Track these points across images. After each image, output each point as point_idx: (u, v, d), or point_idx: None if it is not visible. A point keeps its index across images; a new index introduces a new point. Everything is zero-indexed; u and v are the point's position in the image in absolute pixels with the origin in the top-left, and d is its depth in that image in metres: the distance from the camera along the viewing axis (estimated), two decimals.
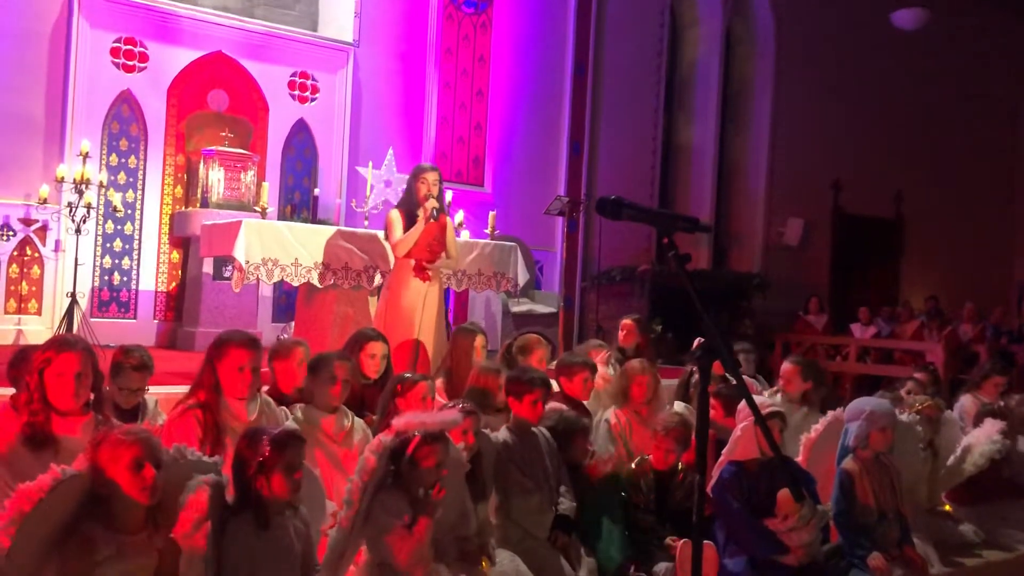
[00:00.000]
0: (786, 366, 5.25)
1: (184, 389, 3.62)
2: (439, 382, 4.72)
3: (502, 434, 3.86)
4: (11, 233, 8.03)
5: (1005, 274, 15.76)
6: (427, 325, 5.55)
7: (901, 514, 4.25)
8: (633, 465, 4.16)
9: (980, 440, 4.96)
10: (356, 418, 3.84)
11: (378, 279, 6.22)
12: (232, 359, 3.34)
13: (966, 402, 5.79)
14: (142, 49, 8.60)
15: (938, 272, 14.70)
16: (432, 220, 5.50)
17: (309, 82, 9.53)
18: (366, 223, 7.26)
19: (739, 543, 3.91)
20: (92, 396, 3.16)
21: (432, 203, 5.48)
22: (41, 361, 3.05)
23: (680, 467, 4.18)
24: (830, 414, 4.60)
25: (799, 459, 4.41)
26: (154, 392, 4.17)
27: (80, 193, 7.64)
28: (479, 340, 4.87)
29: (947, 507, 4.89)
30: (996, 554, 4.72)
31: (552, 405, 4.25)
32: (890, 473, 4.26)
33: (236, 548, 2.69)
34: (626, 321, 6.26)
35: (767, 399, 4.17)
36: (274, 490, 2.75)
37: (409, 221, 5.50)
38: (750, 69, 13.54)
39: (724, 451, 4.08)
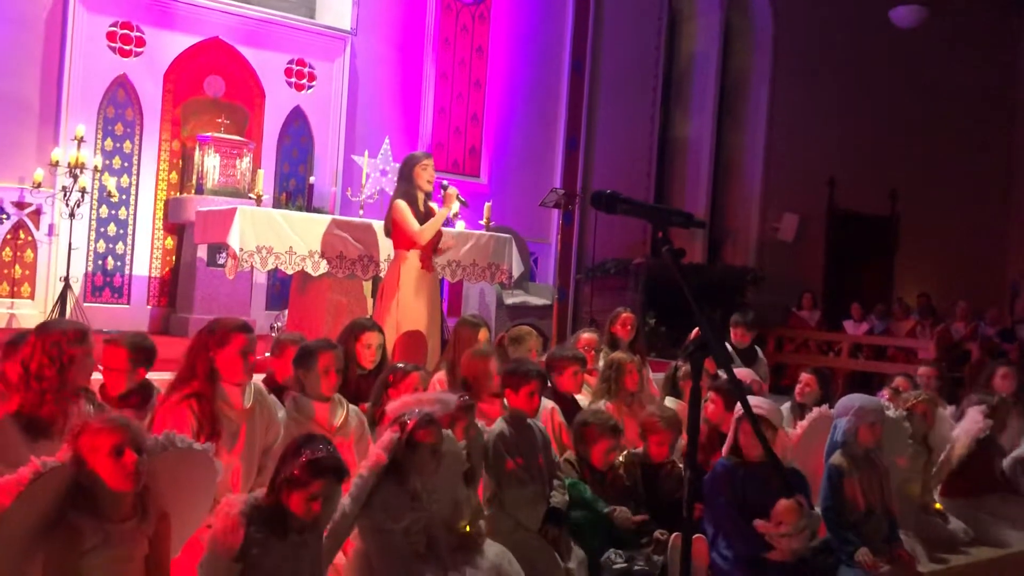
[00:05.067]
0: (806, 375, 5.42)
1: None
2: (441, 375, 4.71)
3: (498, 425, 3.87)
4: (4, 216, 7.99)
5: (998, 272, 15.81)
6: (433, 317, 5.59)
7: (889, 510, 4.27)
8: (621, 458, 4.16)
9: (965, 425, 5.02)
10: (351, 406, 3.82)
11: (372, 269, 6.23)
12: (234, 344, 3.35)
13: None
14: (139, 34, 8.56)
15: (932, 269, 14.73)
16: (463, 204, 5.74)
17: (306, 70, 9.50)
18: (361, 212, 7.25)
19: (725, 536, 3.91)
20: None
21: (455, 189, 5.67)
22: (70, 342, 3.04)
23: (667, 459, 4.19)
24: (816, 410, 4.64)
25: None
26: (149, 378, 4.16)
27: (75, 177, 7.62)
28: (483, 334, 4.86)
29: (938, 505, 4.92)
30: (984, 551, 4.74)
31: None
32: (878, 469, 4.28)
33: (254, 560, 2.66)
34: (628, 314, 6.17)
35: (761, 400, 4.16)
36: (290, 506, 2.70)
37: (414, 210, 5.53)
38: (748, 63, 13.53)
39: (724, 447, 4.08)
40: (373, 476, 3.00)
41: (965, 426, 5.03)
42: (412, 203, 5.55)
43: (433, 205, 5.73)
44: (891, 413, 4.57)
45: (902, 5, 13.09)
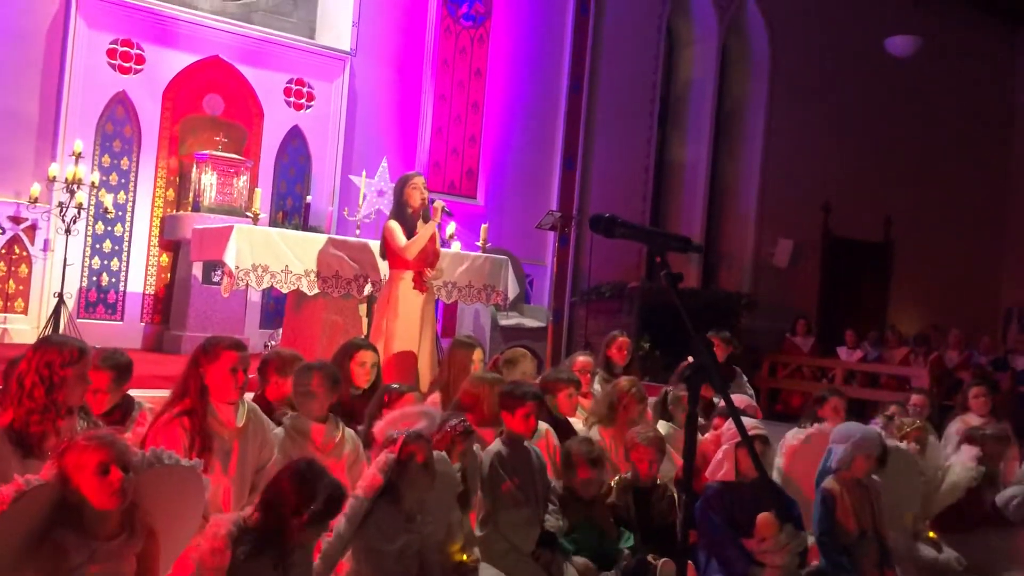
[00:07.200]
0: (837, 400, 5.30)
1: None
2: (435, 396, 4.70)
3: (495, 445, 3.86)
4: (0, 231, 7.99)
5: (992, 299, 15.85)
6: (426, 337, 5.58)
7: (881, 534, 4.26)
8: (613, 484, 4.15)
9: (956, 467, 4.98)
10: (347, 429, 3.81)
11: (368, 289, 6.22)
12: (224, 361, 3.34)
13: (952, 429, 5.80)
14: (139, 51, 8.59)
15: (926, 297, 14.76)
16: (448, 214, 5.72)
17: (305, 89, 9.54)
18: (358, 232, 7.27)
19: (717, 559, 3.90)
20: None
21: (441, 202, 5.60)
22: (64, 363, 3.03)
23: (659, 482, 4.18)
24: (815, 427, 4.63)
25: (780, 463, 4.44)
26: (140, 395, 4.15)
27: (71, 193, 7.61)
28: (477, 354, 4.85)
29: (931, 534, 4.89)
30: None
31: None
32: (870, 494, 4.27)
33: None
34: (624, 338, 6.16)
35: (753, 421, 4.17)
36: (282, 530, 2.71)
37: (405, 229, 5.55)
38: (744, 89, 13.61)
39: (707, 471, 4.09)
40: (368, 499, 2.99)
41: (956, 472, 4.96)
42: (404, 222, 5.57)
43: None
44: (901, 445, 4.57)
45: (896, 33, 13.22)
